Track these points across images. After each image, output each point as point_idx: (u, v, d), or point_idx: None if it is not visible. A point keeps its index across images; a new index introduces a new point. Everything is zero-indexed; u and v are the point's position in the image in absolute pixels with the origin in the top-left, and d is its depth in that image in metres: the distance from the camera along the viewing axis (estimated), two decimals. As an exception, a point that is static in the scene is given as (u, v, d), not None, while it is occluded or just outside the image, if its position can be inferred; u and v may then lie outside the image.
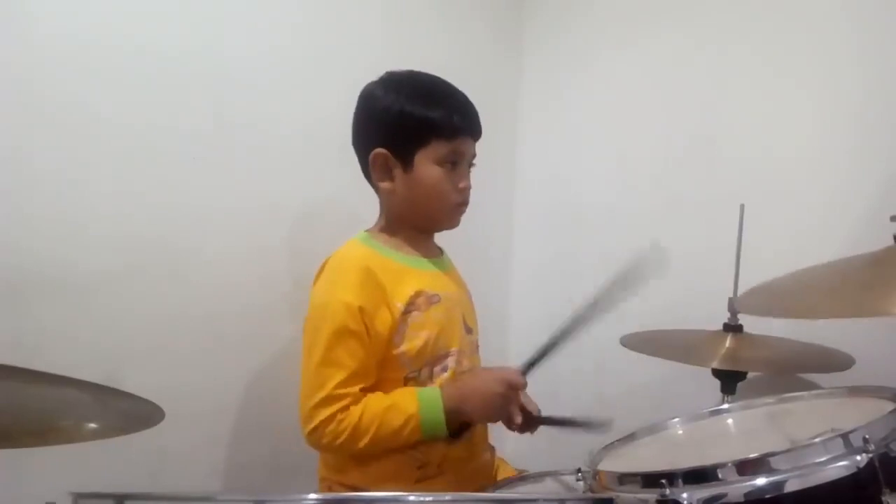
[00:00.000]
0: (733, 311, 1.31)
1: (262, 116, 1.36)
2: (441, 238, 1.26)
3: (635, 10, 1.76)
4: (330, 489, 1.13)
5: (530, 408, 1.14)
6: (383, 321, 1.08)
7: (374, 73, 1.16)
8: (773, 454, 0.74)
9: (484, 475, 1.19)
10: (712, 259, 1.45)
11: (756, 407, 1.04)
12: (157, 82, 1.21)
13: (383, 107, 1.12)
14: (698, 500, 0.73)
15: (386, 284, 1.09)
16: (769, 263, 1.11)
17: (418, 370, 1.11)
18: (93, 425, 0.76)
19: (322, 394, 1.04)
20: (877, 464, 0.72)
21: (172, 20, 1.23)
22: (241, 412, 1.35)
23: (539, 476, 1.09)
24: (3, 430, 0.71)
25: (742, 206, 1.35)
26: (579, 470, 0.89)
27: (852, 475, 0.72)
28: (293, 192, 1.42)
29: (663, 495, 0.74)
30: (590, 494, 0.84)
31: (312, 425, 1.04)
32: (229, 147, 1.31)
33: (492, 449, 1.25)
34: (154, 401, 0.82)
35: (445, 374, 1.13)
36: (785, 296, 1.07)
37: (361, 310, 1.06)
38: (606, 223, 1.81)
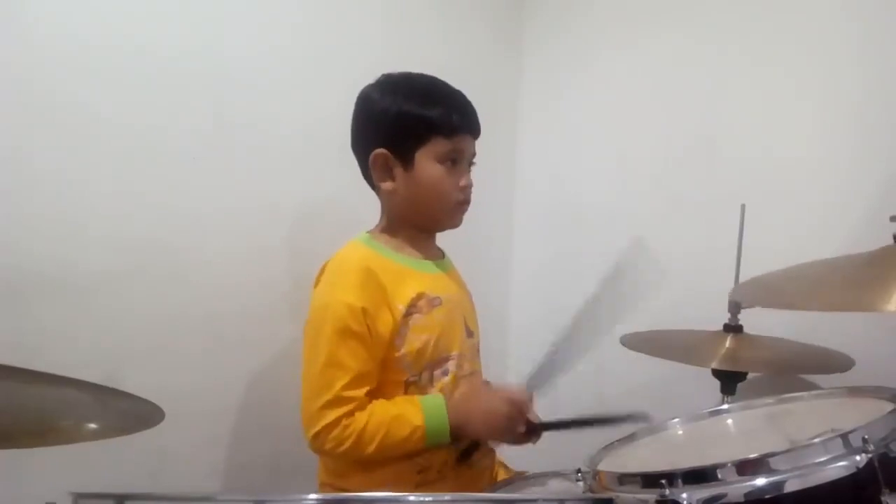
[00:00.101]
0: (733, 311, 1.31)
1: (262, 116, 1.36)
2: (441, 238, 1.26)
3: (635, 10, 1.76)
4: (330, 494, 1.13)
5: (531, 416, 1.13)
6: (385, 323, 1.08)
7: (374, 74, 1.17)
8: (772, 454, 0.74)
9: (484, 479, 1.19)
10: (713, 259, 1.45)
11: (756, 407, 1.04)
12: (157, 82, 1.21)
13: (382, 108, 1.12)
14: (698, 501, 0.73)
15: (387, 286, 1.09)
16: (769, 263, 1.12)
17: (419, 373, 1.11)
18: (93, 425, 0.76)
19: (328, 396, 1.03)
20: (876, 464, 0.72)
21: (172, 20, 1.23)
22: (241, 412, 1.35)
23: (539, 476, 1.09)
24: (3, 430, 0.71)
25: (743, 207, 1.35)
26: (579, 470, 0.89)
27: (852, 475, 0.72)
28: (293, 192, 1.42)
29: (663, 495, 0.74)
30: (590, 494, 0.84)
31: (316, 429, 1.04)
32: (229, 147, 1.31)
33: (491, 452, 1.25)
34: (154, 401, 0.82)
35: (446, 378, 1.13)
36: (782, 288, 1.07)
37: (364, 311, 1.06)
38: (606, 223, 1.81)
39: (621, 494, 0.78)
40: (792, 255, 1.12)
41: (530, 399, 1.12)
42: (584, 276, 1.83)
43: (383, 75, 1.16)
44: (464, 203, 1.17)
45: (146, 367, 1.18)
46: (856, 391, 0.96)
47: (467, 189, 1.16)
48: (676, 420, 1.03)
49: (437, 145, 1.11)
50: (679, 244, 1.66)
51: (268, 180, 1.37)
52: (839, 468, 0.72)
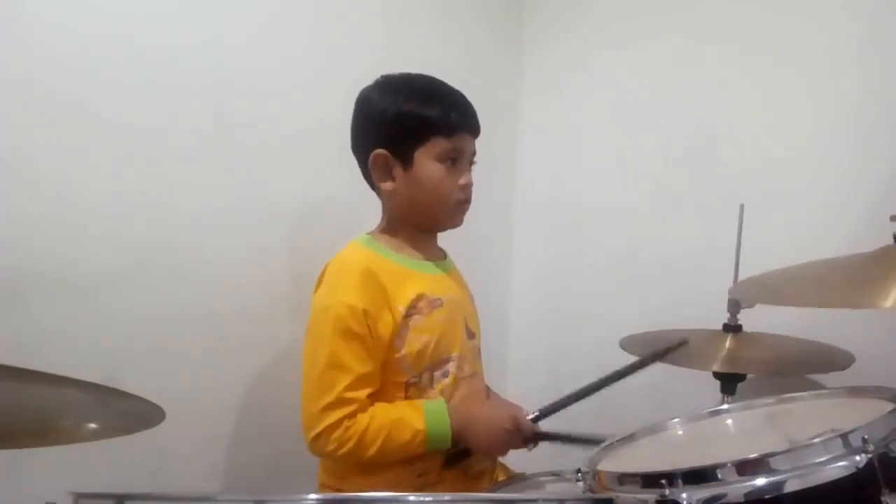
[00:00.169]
0: (733, 310, 1.32)
1: (262, 116, 1.36)
2: (441, 238, 1.26)
3: (635, 10, 1.76)
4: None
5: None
6: (385, 324, 1.08)
7: (374, 74, 1.17)
8: (772, 454, 0.74)
9: (484, 481, 1.19)
10: (712, 259, 1.45)
11: (756, 407, 1.04)
12: (157, 82, 1.21)
13: (381, 109, 1.12)
14: (698, 501, 0.73)
15: (387, 286, 1.09)
16: (769, 263, 1.12)
17: (419, 375, 1.11)
18: (93, 425, 0.76)
19: (330, 397, 1.03)
20: (876, 464, 0.72)
21: (172, 20, 1.23)
22: (241, 412, 1.35)
23: (538, 476, 1.09)
24: (3, 430, 0.71)
25: (742, 206, 1.35)
26: (579, 470, 0.89)
27: (852, 475, 0.72)
28: (293, 192, 1.42)
29: (663, 495, 0.73)
30: (590, 494, 0.84)
31: (317, 431, 1.03)
32: (229, 147, 1.31)
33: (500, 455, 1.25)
34: (154, 401, 0.82)
35: (446, 380, 1.13)
36: (782, 286, 1.07)
37: (365, 312, 1.06)
38: (606, 223, 1.81)
39: (621, 494, 0.78)
40: (791, 254, 1.12)
41: (532, 427, 1.11)
42: (584, 276, 1.85)
43: (382, 76, 1.16)
44: (464, 202, 1.16)
45: (146, 367, 1.18)
46: (856, 391, 0.96)
47: (468, 188, 1.16)
48: (676, 420, 1.03)
49: (437, 145, 1.11)
50: (679, 244, 1.67)
51: (268, 180, 1.37)
52: (839, 468, 0.72)
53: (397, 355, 1.09)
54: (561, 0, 1.91)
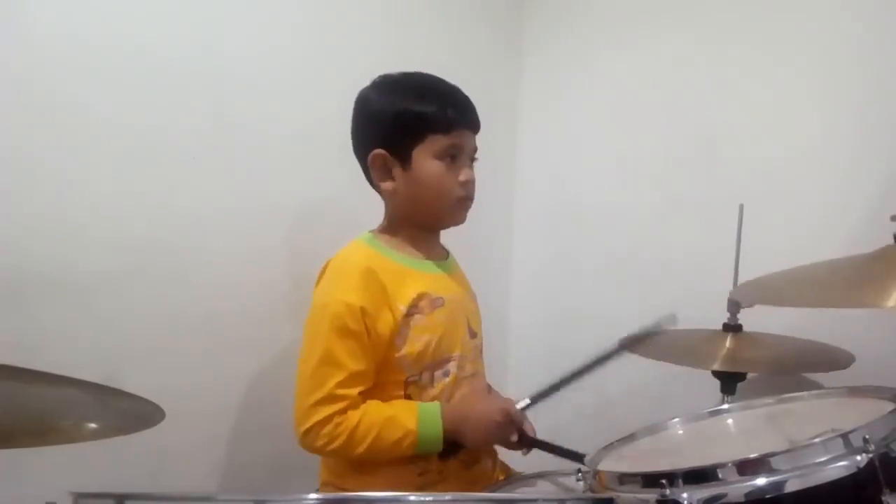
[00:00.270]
0: (733, 310, 1.31)
1: (262, 116, 1.36)
2: (441, 238, 1.26)
3: (635, 10, 1.76)
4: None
5: (527, 428, 1.14)
6: (385, 323, 1.07)
7: (374, 74, 1.17)
8: (773, 454, 0.74)
9: (485, 479, 1.19)
10: (712, 259, 1.45)
11: (756, 407, 1.04)
12: (157, 82, 1.21)
13: (378, 108, 1.12)
14: (698, 500, 0.73)
15: (388, 285, 1.09)
16: (769, 263, 1.12)
17: (419, 374, 1.11)
18: (93, 425, 0.76)
19: (321, 393, 1.04)
20: (877, 464, 0.72)
21: (172, 20, 1.23)
22: (241, 412, 1.35)
23: (539, 476, 1.09)
24: (3, 430, 0.71)
25: (741, 206, 1.35)
26: (579, 470, 0.89)
27: (852, 475, 0.72)
28: (293, 192, 1.42)
29: (663, 495, 0.74)
30: (590, 494, 0.84)
31: (308, 425, 1.04)
32: (229, 147, 1.31)
33: (493, 454, 1.25)
34: (154, 401, 0.82)
35: (447, 380, 1.13)
36: (782, 286, 1.07)
37: (363, 311, 1.06)
38: (606, 223, 1.81)
39: (622, 494, 0.78)
40: (791, 255, 1.12)
41: (523, 416, 1.12)
42: (584, 276, 1.85)
43: (380, 76, 1.16)
44: (465, 199, 1.15)
45: (146, 367, 1.18)
46: (856, 391, 0.96)
47: (468, 184, 1.15)
48: (676, 420, 1.03)
49: (435, 142, 1.11)
50: (679, 244, 1.67)
51: (268, 180, 1.37)
52: (840, 468, 0.72)
53: (397, 354, 1.09)
54: (561, 0, 1.91)
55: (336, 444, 1.03)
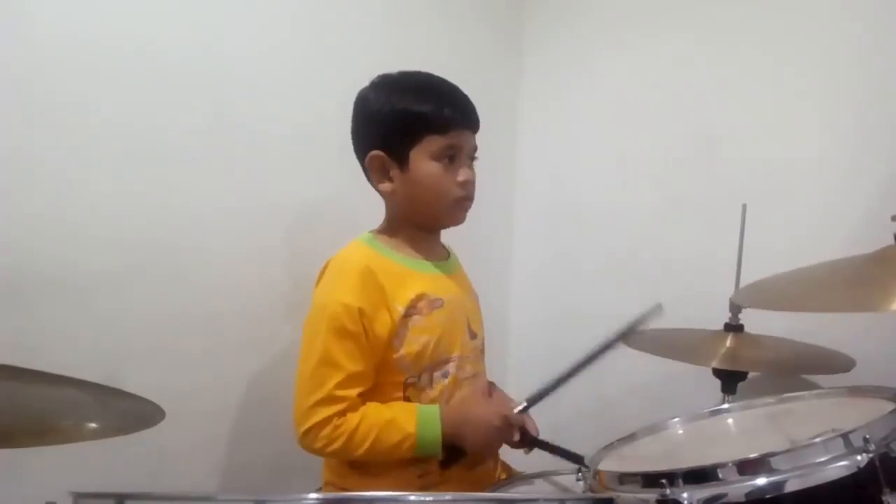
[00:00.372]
0: (734, 310, 1.31)
1: (262, 116, 1.36)
2: (442, 237, 1.26)
3: (635, 10, 1.76)
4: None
5: (529, 427, 1.13)
6: (383, 324, 1.07)
7: (374, 74, 1.16)
8: (773, 454, 0.74)
9: (486, 481, 1.19)
10: (713, 259, 1.45)
11: (756, 407, 1.04)
12: (157, 82, 1.21)
13: (375, 108, 1.12)
14: (698, 500, 0.73)
15: (386, 286, 1.08)
16: (770, 263, 1.12)
17: (418, 375, 1.11)
18: (93, 425, 0.76)
19: (320, 394, 1.04)
20: (877, 464, 0.72)
21: (172, 20, 1.23)
22: (241, 412, 1.35)
23: (539, 476, 1.09)
24: (3, 430, 0.71)
25: (744, 206, 1.35)
26: (579, 470, 0.89)
27: (852, 475, 0.72)
28: (293, 192, 1.42)
29: (663, 495, 0.74)
30: (590, 494, 0.84)
31: (307, 426, 1.04)
32: (229, 147, 1.31)
33: (495, 454, 1.25)
34: (154, 401, 0.82)
35: (446, 381, 1.12)
36: (784, 290, 1.07)
37: (361, 312, 1.05)
38: (606, 223, 1.81)
39: (622, 494, 0.78)
40: (792, 254, 1.13)
41: (521, 420, 1.10)
42: (584, 276, 1.85)
43: (379, 76, 1.16)
44: (464, 199, 1.14)
45: (146, 367, 1.18)
46: (856, 391, 0.96)
47: (467, 184, 1.14)
48: (676, 420, 1.03)
49: (431, 143, 1.10)
50: (679, 244, 1.67)
51: (268, 180, 1.37)
52: (840, 468, 0.73)
53: (395, 355, 1.08)
54: (561, 0, 1.91)
55: (335, 446, 1.04)
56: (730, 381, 1.29)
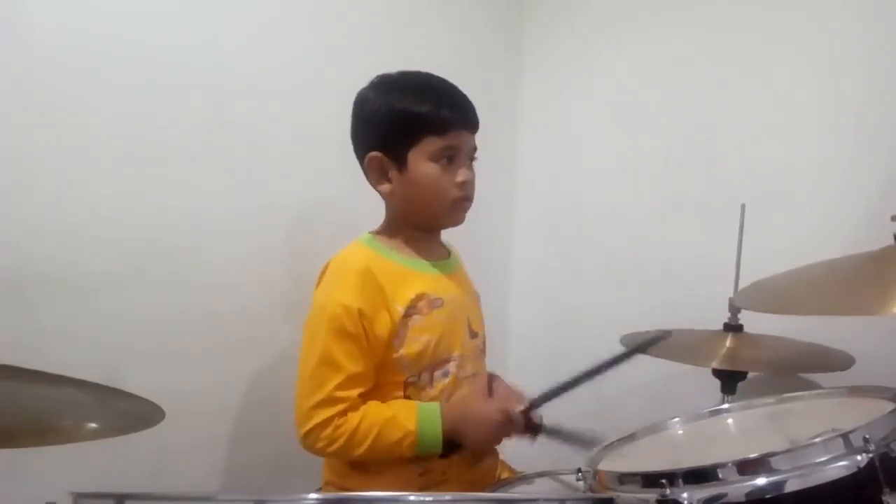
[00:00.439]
0: (734, 311, 1.31)
1: (262, 116, 1.36)
2: (443, 237, 1.26)
3: (635, 10, 1.76)
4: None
5: (533, 417, 1.12)
6: (383, 324, 1.07)
7: (374, 74, 1.16)
8: (773, 454, 0.74)
9: (487, 479, 1.19)
10: (713, 259, 1.45)
11: (756, 407, 1.04)
12: (157, 82, 1.21)
13: (373, 109, 1.12)
14: (698, 500, 0.73)
15: (385, 287, 1.08)
16: (770, 263, 1.12)
17: (418, 374, 1.11)
18: (93, 425, 0.76)
19: (321, 395, 1.04)
20: (877, 464, 0.72)
21: (172, 20, 1.23)
22: (241, 412, 1.35)
23: (539, 476, 1.09)
24: (3, 430, 0.71)
25: (743, 206, 1.35)
26: (579, 470, 0.89)
27: (852, 475, 0.72)
28: (293, 192, 1.42)
29: (663, 495, 0.74)
30: (590, 494, 0.84)
31: (308, 427, 1.04)
32: (229, 147, 1.31)
33: (495, 452, 1.25)
34: (154, 401, 0.82)
35: (447, 380, 1.12)
36: (784, 292, 1.07)
37: (361, 312, 1.05)
38: (606, 223, 1.81)
39: (622, 494, 0.78)
40: (792, 254, 1.12)
41: (521, 418, 1.09)
42: (584, 276, 1.85)
43: (378, 76, 1.16)
44: (463, 200, 1.14)
45: (146, 367, 1.18)
46: (856, 391, 0.96)
47: (466, 185, 1.13)
48: (676, 420, 1.03)
49: (430, 144, 1.10)
50: (679, 244, 1.67)
51: (268, 180, 1.37)
52: (840, 468, 0.73)
53: (395, 355, 1.08)
54: (561, 0, 1.91)
55: (336, 446, 1.04)
56: (729, 381, 1.29)
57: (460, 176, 1.12)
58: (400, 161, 1.11)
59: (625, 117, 1.78)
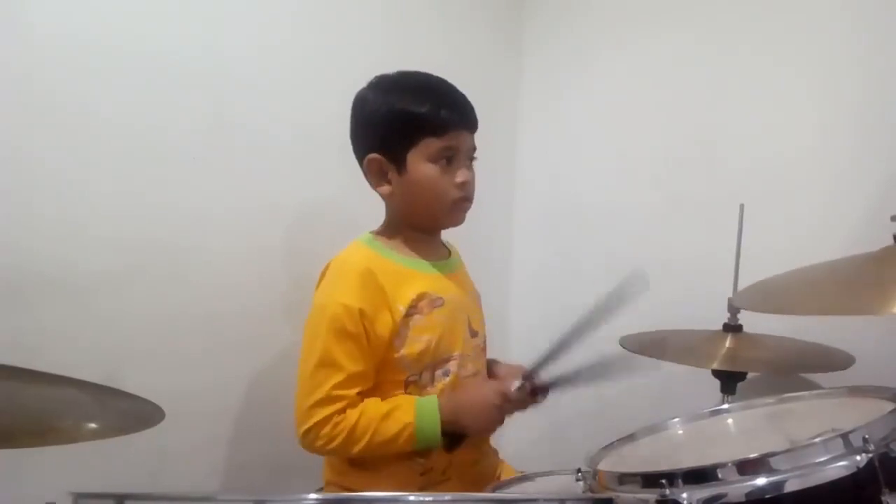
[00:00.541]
0: (733, 311, 1.32)
1: (262, 116, 1.36)
2: (443, 237, 1.26)
3: (635, 10, 1.76)
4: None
5: (536, 381, 1.12)
6: (384, 324, 1.07)
7: (374, 74, 1.16)
8: (773, 454, 0.74)
9: (488, 478, 1.19)
10: (712, 259, 1.45)
11: (756, 407, 1.04)
12: (157, 82, 1.21)
13: (372, 110, 1.12)
14: (698, 500, 0.73)
15: (386, 287, 1.08)
16: (769, 264, 1.12)
17: (419, 373, 1.11)
18: (93, 425, 0.76)
19: (319, 394, 1.04)
20: (877, 464, 0.72)
21: (172, 20, 1.23)
22: (241, 412, 1.35)
23: (539, 476, 1.09)
24: (3, 430, 0.71)
25: (742, 206, 1.35)
26: (579, 470, 0.89)
27: (852, 475, 0.72)
28: (293, 192, 1.42)
29: (663, 495, 0.74)
30: (590, 494, 0.84)
31: (307, 426, 1.04)
32: (229, 147, 1.31)
33: (494, 451, 1.25)
34: (154, 401, 0.82)
35: (447, 379, 1.12)
36: (783, 292, 1.07)
37: (362, 313, 1.06)
38: (606, 223, 1.81)
39: (621, 494, 0.78)
40: (791, 254, 1.12)
41: (516, 394, 1.10)
42: (584, 276, 1.85)
43: (377, 76, 1.15)
44: (462, 200, 1.14)
45: (146, 367, 1.18)
46: (856, 391, 0.96)
47: (466, 186, 1.13)
48: (676, 420, 1.03)
49: (428, 145, 1.10)
50: (679, 244, 1.67)
51: (268, 180, 1.37)
52: (839, 468, 0.72)
53: (396, 355, 1.09)
54: (561, 0, 1.91)
55: (335, 444, 1.04)
56: (729, 381, 1.29)
57: (460, 176, 1.12)
58: (399, 163, 1.11)
59: (625, 117, 1.78)
